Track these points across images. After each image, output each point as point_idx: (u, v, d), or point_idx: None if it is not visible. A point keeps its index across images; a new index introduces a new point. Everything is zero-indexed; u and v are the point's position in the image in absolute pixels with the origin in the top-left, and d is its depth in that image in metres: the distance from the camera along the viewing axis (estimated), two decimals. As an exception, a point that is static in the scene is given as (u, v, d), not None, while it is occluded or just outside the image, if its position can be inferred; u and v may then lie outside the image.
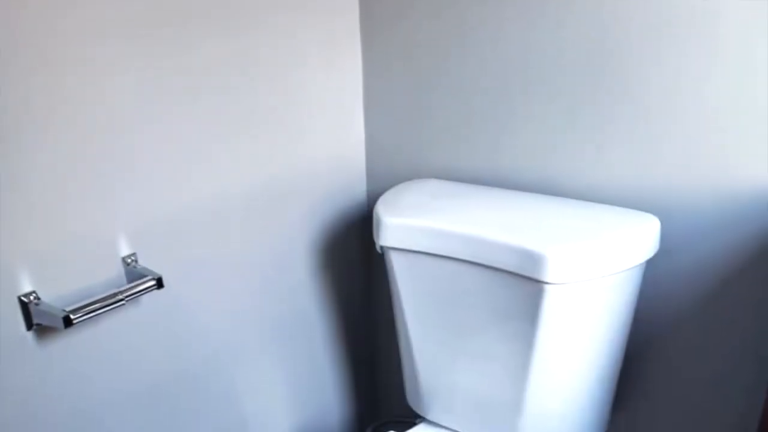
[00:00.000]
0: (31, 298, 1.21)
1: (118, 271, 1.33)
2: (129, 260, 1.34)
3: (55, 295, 1.24)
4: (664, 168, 1.42)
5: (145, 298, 1.39)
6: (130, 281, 1.33)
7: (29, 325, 1.22)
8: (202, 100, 1.39)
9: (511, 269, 1.37)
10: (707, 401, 1.54)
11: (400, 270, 1.53)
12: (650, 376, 1.60)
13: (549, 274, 1.32)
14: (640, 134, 1.42)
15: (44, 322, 1.22)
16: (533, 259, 1.34)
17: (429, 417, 1.67)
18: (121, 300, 1.26)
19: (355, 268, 1.90)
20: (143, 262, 1.36)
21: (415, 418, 1.73)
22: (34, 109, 1.15)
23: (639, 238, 1.37)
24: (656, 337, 1.56)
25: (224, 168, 1.47)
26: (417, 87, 1.65)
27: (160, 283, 1.32)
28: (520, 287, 1.37)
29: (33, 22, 1.12)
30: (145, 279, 1.31)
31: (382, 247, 1.54)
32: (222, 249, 1.52)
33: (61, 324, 1.19)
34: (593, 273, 1.34)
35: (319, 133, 1.66)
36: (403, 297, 1.55)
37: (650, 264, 1.46)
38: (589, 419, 1.52)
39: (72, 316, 1.19)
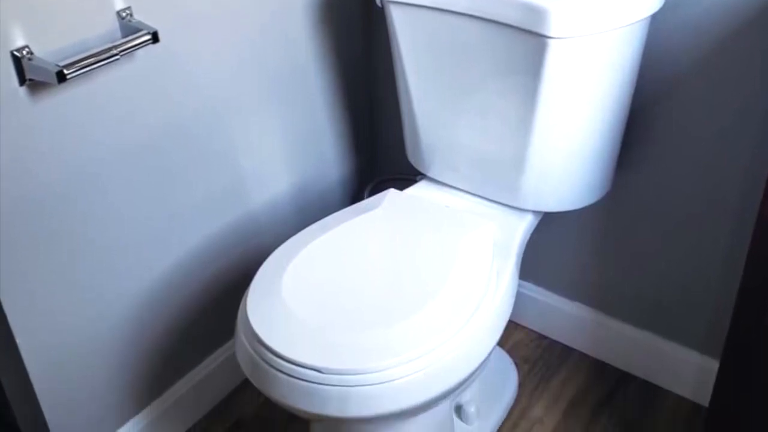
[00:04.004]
0: (24, 52, 1.24)
1: (112, 25, 1.35)
2: (124, 14, 1.36)
3: (48, 50, 1.27)
4: None
5: (140, 53, 1.41)
6: (124, 36, 1.35)
7: (22, 81, 1.26)
8: None
9: (514, 23, 1.39)
10: (712, 157, 1.61)
11: (401, 25, 1.55)
12: (655, 135, 1.66)
13: (552, 27, 1.35)
14: None
15: (37, 78, 1.25)
16: (536, 12, 1.36)
17: (430, 174, 1.75)
18: (116, 55, 1.29)
19: (354, 22, 1.91)
20: (138, 16, 1.38)
21: (416, 176, 1.81)
22: None
23: (647, -9, 1.40)
24: (661, 94, 1.61)
25: None
26: None
27: (155, 38, 1.35)
28: (523, 42, 1.40)
29: None
30: (140, 33, 1.34)
31: (381, 0, 1.56)
32: (219, 1, 1.53)
33: (54, 79, 1.22)
34: (597, 27, 1.37)
35: None
36: (403, 53, 1.59)
37: (655, 19, 1.48)
38: (593, 177, 1.60)
39: (65, 71, 1.23)
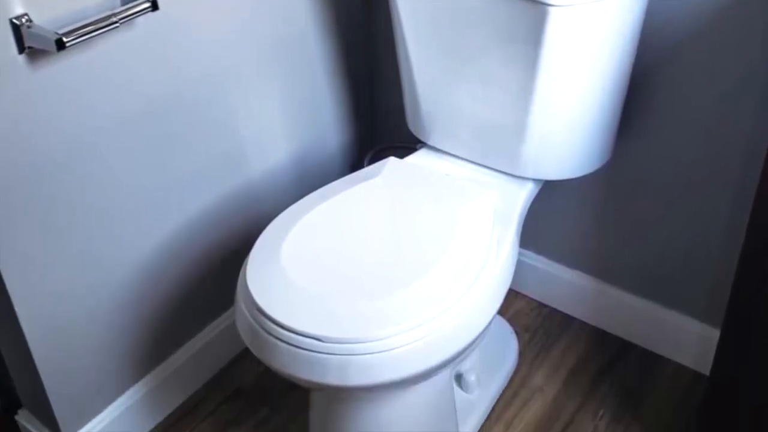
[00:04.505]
0: (23, 20, 1.23)
1: (112, -8, 1.35)
2: (123, -19, 1.36)
3: (47, 17, 1.27)
4: None
5: (140, 21, 1.41)
6: (124, 3, 1.34)
7: (21, 49, 1.26)
8: None
9: (515, -9, 1.39)
10: (713, 125, 1.61)
11: (401, -9, 1.55)
12: (656, 102, 1.66)
13: (553, -5, 1.36)
14: None
15: (36, 45, 1.26)
16: (538, -20, 1.36)
17: (430, 142, 1.75)
18: (115, 22, 1.29)
19: (354, -12, 1.91)
20: (137, -17, 1.38)
21: (416, 144, 1.80)
22: None
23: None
24: (662, 62, 1.61)
25: None
26: None
27: (155, 5, 1.35)
28: (524, 10, 1.40)
29: None
30: (139, 1, 1.33)
31: (381, -34, 1.56)
32: (217, -32, 1.53)
33: (53, 47, 1.22)
34: (598, -6, 1.37)
35: None
36: (403, 20, 1.59)
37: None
38: (594, 145, 1.60)
39: (65, 39, 1.22)
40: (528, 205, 1.65)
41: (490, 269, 1.41)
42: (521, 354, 1.93)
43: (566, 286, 2.00)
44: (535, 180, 1.66)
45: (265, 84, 1.75)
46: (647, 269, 1.85)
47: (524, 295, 2.09)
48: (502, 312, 1.98)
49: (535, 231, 1.95)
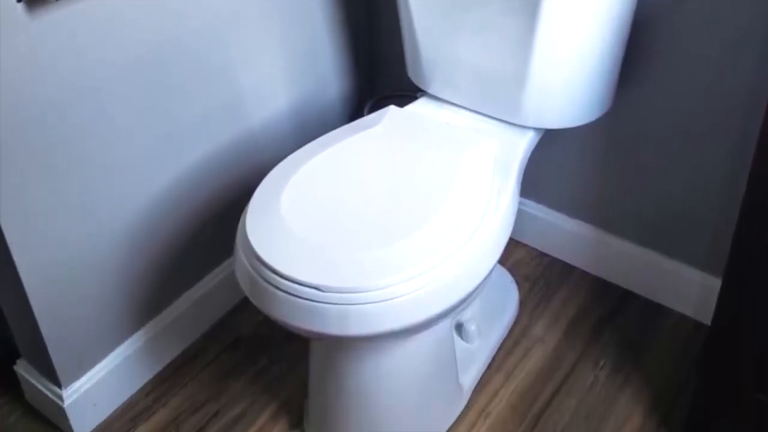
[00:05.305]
0: None
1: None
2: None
3: None
4: None
5: None
6: None
7: None
8: None
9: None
10: (715, 75, 1.61)
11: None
12: (657, 51, 1.65)
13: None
14: None
15: None
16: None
17: (430, 91, 1.74)
18: None
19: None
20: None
21: (416, 93, 1.80)
22: None
23: None
24: (664, 9, 1.60)
25: None
26: None
27: None
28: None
29: None
30: None
31: None
32: None
33: None
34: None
35: None
36: (403, -35, 1.58)
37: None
38: (595, 93, 1.60)
39: None
40: (529, 154, 1.64)
41: (491, 218, 1.41)
42: (522, 303, 1.94)
43: (567, 236, 2.01)
44: (535, 129, 1.65)
45: (265, 32, 1.74)
46: (648, 218, 1.85)
47: (525, 245, 2.10)
48: (502, 261, 1.99)
49: (536, 180, 1.95)
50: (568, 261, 2.05)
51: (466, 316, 1.74)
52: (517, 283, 1.96)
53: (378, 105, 1.85)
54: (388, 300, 1.26)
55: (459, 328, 1.74)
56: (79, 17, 1.36)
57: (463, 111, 1.71)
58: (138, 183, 1.60)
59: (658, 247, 1.87)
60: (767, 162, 1.21)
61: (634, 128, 1.76)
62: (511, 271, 1.99)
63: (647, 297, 1.95)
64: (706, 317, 1.82)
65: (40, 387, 1.65)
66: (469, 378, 1.72)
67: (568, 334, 1.87)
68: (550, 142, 1.81)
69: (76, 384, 1.64)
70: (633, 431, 1.66)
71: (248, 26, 1.69)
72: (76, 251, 1.53)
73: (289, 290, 1.26)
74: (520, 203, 1.63)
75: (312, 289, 1.25)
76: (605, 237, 1.94)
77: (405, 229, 1.33)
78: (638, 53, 1.67)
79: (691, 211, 1.77)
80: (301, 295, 1.25)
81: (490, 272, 1.43)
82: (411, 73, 1.78)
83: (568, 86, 1.57)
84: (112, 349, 1.70)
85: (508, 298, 1.91)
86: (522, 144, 1.62)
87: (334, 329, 1.27)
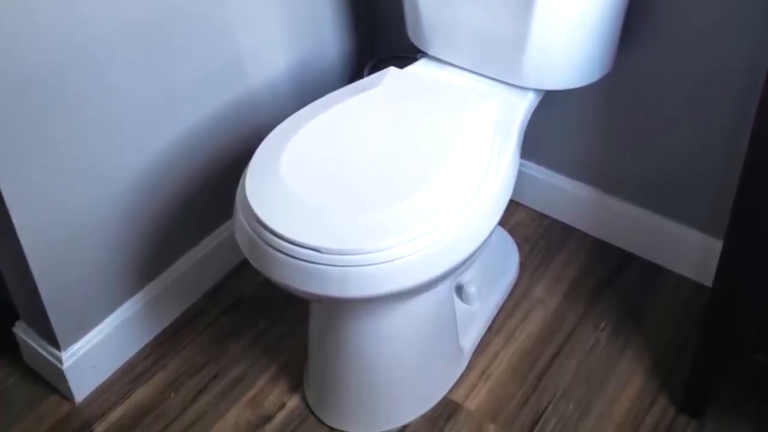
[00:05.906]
0: None
1: None
2: None
3: None
4: None
5: None
6: None
7: None
8: None
9: None
10: (716, 35, 1.60)
11: None
12: (658, 11, 1.64)
13: None
14: None
15: None
16: None
17: (431, 52, 1.74)
18: None
19: None
20: None
21: (416, 54, 1.79)
22: None
23: None
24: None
25: None
26: None
27: None
28: None
29: None
30: None
31: None
32: None
33: None
34: None
35: None
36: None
37: None
38: (595, 54, 1.59)
39: None
40: (529, 116, 1.64)
41: (491, 180, 1.41)
42: (522, 265, 1.95)
43: (567, 197, 2.01)
44: (536, 90, 1.65)
45: (263, -9, 1.74)
46: (649, 180, 1.85)
47: (525, 206, 2.10)
48: (502, 223, 1.99)
49: (536, 142, 1.95)
50: (569, 223, 2.05)
51: (467, 278, 1.74)
52: (518, 244, 1.97)
53: (378, 66, 1.84)
54: (388, 262, 1.26)
55: (459, 290, 1.75)
56: (76, -22, 1.35)
57: (463, 72, 1.70)
58: (138, 145, 1.59)
59: (658, 209, 1.87)
60: (769, 123, 1.21)
61: (635, 89, 1.76)
62: (512, 232, 2.00)
63: (648, 258, 1.95)
64: (707, 279, 1.83)
65: (39, 349, 1.66)
66: (470, 340, 1.73)
67: (568, 296, 1.88)
68: (550, 103, 1.80)
69: (75, 346, 1.65)
70: (633, 393, 1.68)
71: (247, -14, 1.69)
72: (76, 213, 1.53)
73: (289, 252, 1.26)
74: (520, 165, 1.63)
75: (312, 251, 1.25)
76: (606, 198, 1.95)
77: (405, 191, 1.34)
78: (639, 14, 1.66)
79: (691, 172, 1.77)
80: (301, 257, 1.26)
81: (491, 234, 1.43)
82: (411, 34, 1.77)
83: (568, 47, 1.56)
84: (111, 311, 1.70)
85: (509, 260, 1.92)
86: (522, 105, 1.62)
87: (334, 291, 1.28)
